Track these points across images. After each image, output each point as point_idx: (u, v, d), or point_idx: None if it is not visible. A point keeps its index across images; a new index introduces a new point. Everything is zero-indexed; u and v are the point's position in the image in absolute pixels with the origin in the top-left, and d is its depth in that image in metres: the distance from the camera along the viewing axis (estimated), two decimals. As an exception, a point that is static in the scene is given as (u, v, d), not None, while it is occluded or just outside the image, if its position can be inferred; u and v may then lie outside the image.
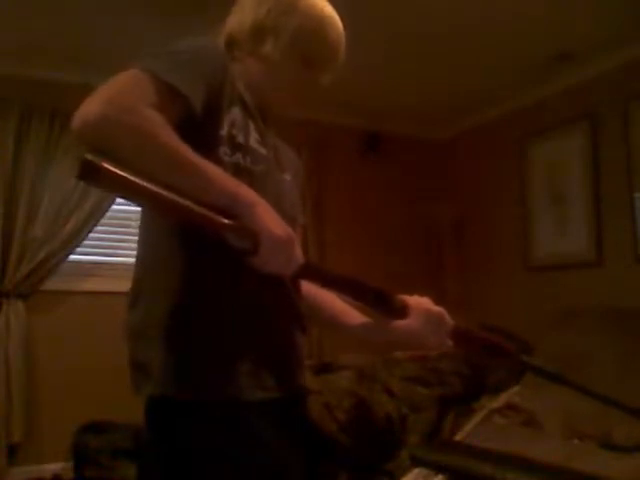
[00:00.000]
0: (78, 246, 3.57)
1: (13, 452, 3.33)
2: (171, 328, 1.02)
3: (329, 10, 1.21)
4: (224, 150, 1.04)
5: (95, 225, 3.60)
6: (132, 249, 3.78)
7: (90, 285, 3.67)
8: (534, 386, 3.03)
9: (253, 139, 1.09)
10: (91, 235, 3.62)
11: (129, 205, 3.76)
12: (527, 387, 3.05)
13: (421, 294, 1.18)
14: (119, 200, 3.68)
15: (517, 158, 4.02)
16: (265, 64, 1.17)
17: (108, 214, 3.64)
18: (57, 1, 2.84)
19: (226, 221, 0.89)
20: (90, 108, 0.86)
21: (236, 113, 1.07)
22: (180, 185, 0.89)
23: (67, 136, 3.53)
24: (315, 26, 1.17)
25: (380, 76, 3.62)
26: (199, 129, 0.99)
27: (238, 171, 1.03)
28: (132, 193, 0.86)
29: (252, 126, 1.10)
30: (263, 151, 1.11)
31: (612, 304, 3.16)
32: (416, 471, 2.46)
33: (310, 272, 1.01)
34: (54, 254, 3.46)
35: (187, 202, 0.87)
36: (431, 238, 4.59)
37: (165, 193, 0.86)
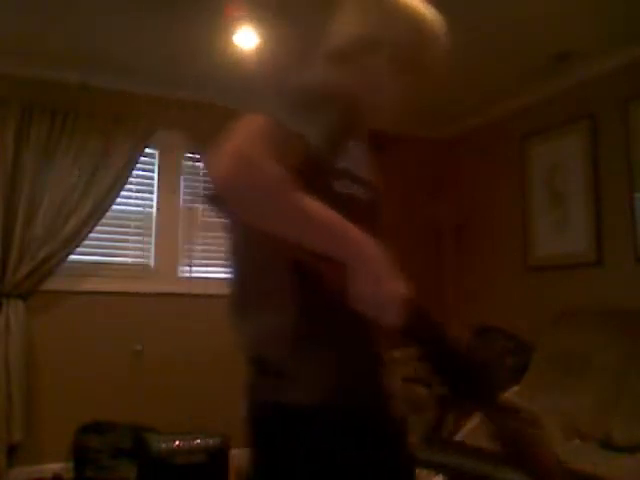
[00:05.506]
0: (78, 246, 3.56)
1: (13, 452, 3.33)
2: (299, 341, 1.04)
3: (432, 15, 1.20)
4: (344, 183, 1.06)
5: (95, 225, 3.59)
6: (132, 249, 3.76)
7: (90, 285, 3.66)
8: (534, 386, 3.03)
9: (364, 168, 1.12)
10: (91, 235, 3.61)
11: (129, 205, 3.77)
12: (527, 387, 3.05)
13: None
14: (119, 200, 3.68)
15: (517, 158, 4.02)
16: (372, 77, 1.18)
17: (108, 214, 3.63)
18: (57, 1, 2.84)
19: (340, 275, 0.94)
20: (223, 166, 0.89)
21: (353, 145, 1.09)
22: (305, 242, 0.93)
23: (67, 136, 3.53)
24: (422, 35, 1.18)
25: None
26: (318, 164, 1.00)
27: (350, 202, 1.06)
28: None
29: (363, 155, 1.12)
30: (369, 178, 1.13)
31: (612, 304, 3.16)
32: (416, 471, 2.45)
33: (406, 332, 1.01)
34: (54, 254, 3.46)
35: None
36: (431, 238, 4.60)
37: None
